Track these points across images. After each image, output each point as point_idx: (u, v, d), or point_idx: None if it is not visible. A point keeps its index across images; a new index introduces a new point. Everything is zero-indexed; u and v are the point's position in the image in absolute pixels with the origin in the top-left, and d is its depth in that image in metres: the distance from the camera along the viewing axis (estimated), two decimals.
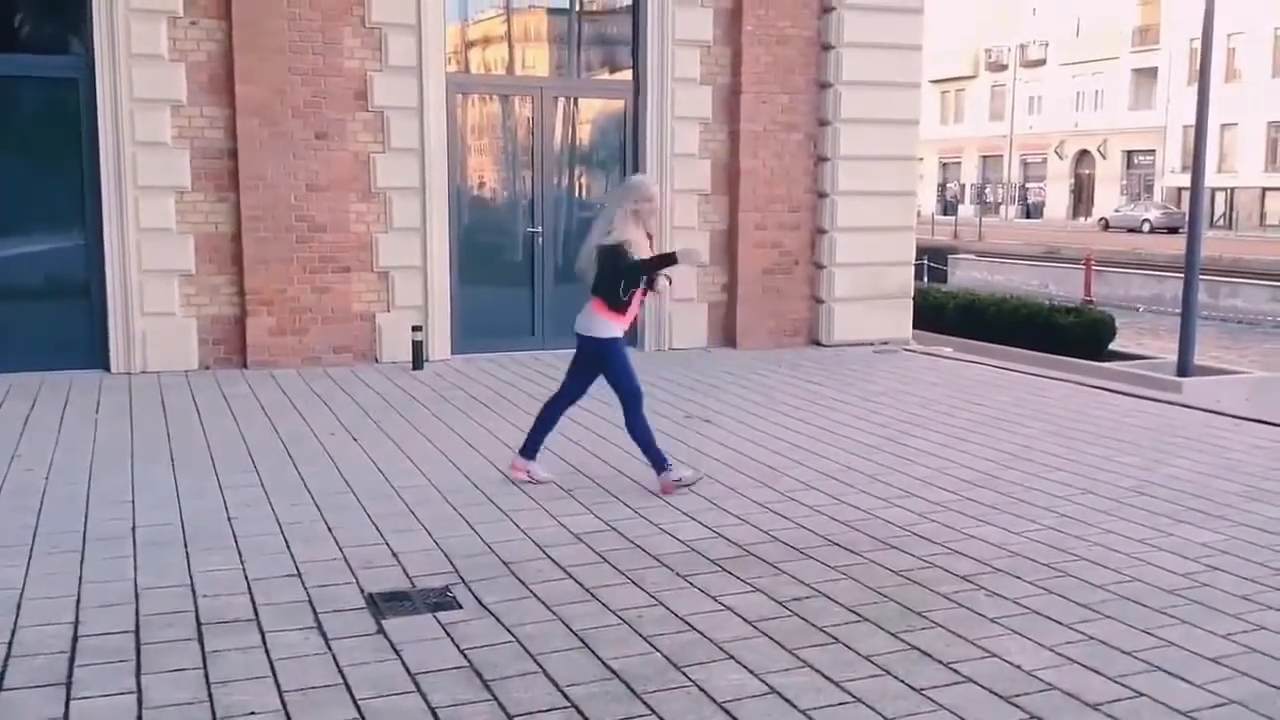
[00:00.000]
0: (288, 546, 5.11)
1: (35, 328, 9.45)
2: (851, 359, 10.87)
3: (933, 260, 28.76)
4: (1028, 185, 62.78)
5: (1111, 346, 14.13)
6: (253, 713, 3.51)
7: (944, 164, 67.08)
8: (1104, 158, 58.70)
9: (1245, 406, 10.54)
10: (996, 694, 3.70)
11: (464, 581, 4.68)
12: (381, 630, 4.16)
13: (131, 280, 9.51)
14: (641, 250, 6.02)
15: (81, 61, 9.38)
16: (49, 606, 4.35)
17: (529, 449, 6.33)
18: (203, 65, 9.55)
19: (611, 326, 6.09)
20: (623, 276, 5.96)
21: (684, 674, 3.82)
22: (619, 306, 6.05)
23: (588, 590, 4.60)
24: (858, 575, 4.82)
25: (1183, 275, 13.69)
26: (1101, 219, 53.19)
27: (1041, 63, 61.32)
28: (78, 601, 4.41)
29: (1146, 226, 48.30)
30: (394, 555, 5.01)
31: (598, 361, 6.15)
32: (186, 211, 9.63)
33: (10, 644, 4.00)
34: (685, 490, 6.05)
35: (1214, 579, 4.82)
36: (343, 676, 3.77)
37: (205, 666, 3.83)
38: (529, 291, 10.97)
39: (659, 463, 6.10)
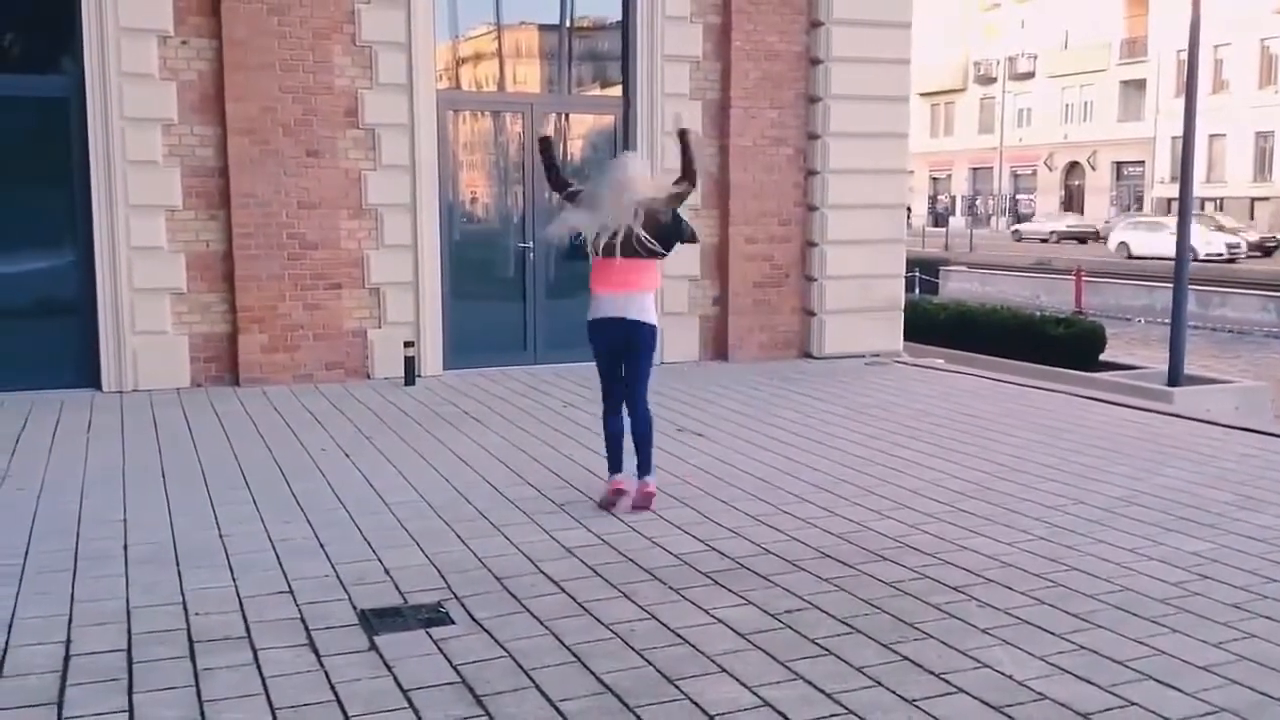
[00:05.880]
0: (280, 563, 5.10)
1: (26, 347, 9.42)
2: (843, 371, 10.89)
3: (924, 272, 28.89)
4: (1018, 197, 62.99)
5: (1102, 356, 14.17)
6: None
7: (934, 177, 67.31)
8: (1093, 169, 58.92)
9: (1235, 415, 10.61)
10: (989, 704, 3.71)
11: (456, 597, 4.68)
12: (374, 647, 4.15)
13: (123, 299, 9.51)
14: None
15: (72, 81, 9.39)
16: (40, 626, 4.34)
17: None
18: (193, 84, 9.57)
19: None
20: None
21: (676, 687, 3.82)
22: None
23: (580, 604, 4.61)
24: (850, 587, 4.83)
25: (1172, 285, 13.75)
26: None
27: (1030, 75, 61.56)
28: (69, 620, 4.40)
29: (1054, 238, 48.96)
30: (386, 571, 5.01)
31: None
32: (177, 230, 9.64)
33: (1, 664, 4.00)
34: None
35: (1205, 588, 4.83)
36: (335, 694, 3.77)
37: (197, 684, 3.82)
38: (520, 307, 10.98)
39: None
